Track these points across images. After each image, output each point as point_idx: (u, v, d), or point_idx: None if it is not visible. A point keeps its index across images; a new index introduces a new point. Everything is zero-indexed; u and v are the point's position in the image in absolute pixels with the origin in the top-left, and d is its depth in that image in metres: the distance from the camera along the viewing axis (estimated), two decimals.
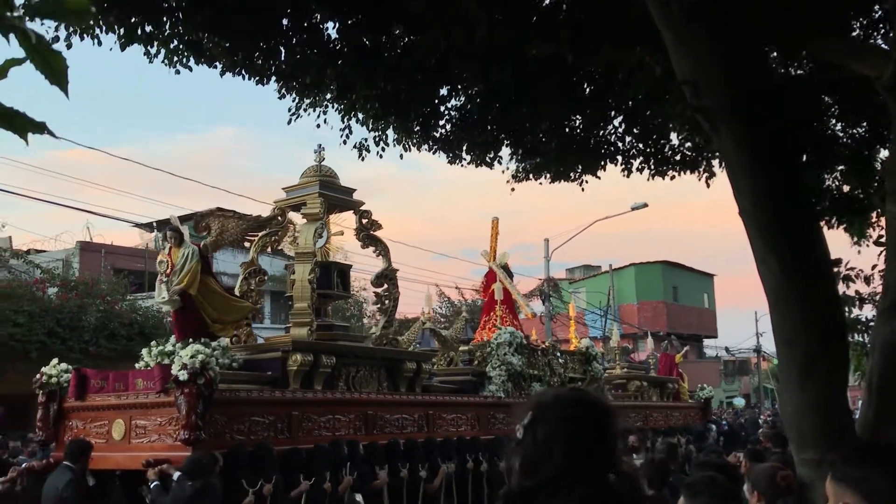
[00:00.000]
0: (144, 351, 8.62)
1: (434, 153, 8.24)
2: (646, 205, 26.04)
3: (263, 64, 6.87)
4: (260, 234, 9.83)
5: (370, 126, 7.87)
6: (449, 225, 68.97)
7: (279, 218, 10.01)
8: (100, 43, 6.35)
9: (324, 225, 9.92)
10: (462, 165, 8.45)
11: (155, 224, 23.79)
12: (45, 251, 22.43)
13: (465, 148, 8.22)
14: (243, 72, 6.90)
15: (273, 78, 7.12)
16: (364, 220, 10.35)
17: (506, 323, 12.83)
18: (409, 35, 6.79)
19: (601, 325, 32.66)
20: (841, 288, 8.61)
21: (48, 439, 8.60)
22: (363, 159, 8.26)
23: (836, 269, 8.23)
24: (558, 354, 13.24)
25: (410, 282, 36.18)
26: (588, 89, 7.55)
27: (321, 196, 9.82)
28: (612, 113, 8.03)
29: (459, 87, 7.60)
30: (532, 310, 16.91)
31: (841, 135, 7.83)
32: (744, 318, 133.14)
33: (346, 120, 7.80)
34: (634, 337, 34.15)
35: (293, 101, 7.62)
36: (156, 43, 6.53)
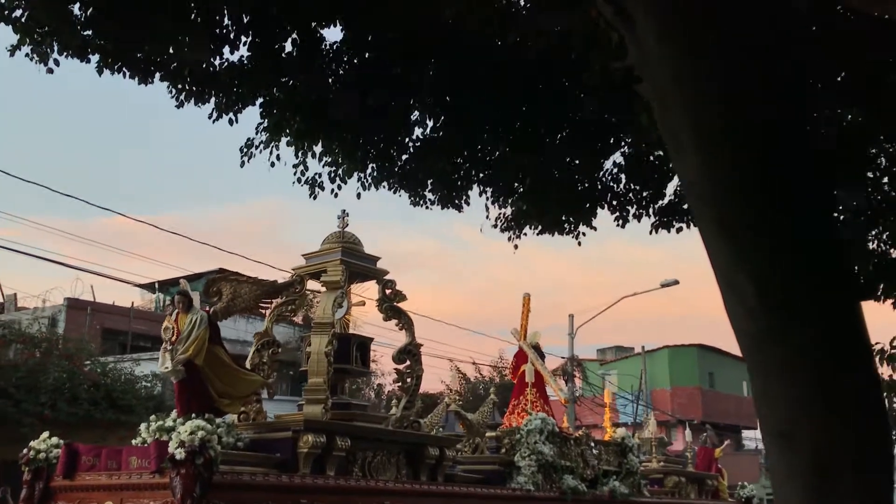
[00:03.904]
0: (142, 426, 7.91)
1: (395, 192, 7.30)
2: (677, 282, 25.07)
3: (146, 58, 5.91)
4: (275, 301, 9.16)
5: (305, 152, 6.79)
6: (489, 302, 68.20)
7: (297, 285, 9.36)
8: None
9: (344, 294, 9.25)
10: (427, 207, 7.42)
11: (157, 284, 23.37)
12: (26, 308, 21.73)
13: (429, 186, 7.18)
14: (123, 69, 5.93)
15: (157, 76, 6.08)
16: (388, 291, 9.67)
17: (537, 408, 11.95)
18: (320, 23, 5.84)
19: (632, 410, 31.37)
20: (886, 371, 7.55)
21: None
22: (314, 197, 7.29)
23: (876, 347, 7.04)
24: (592, 444, 12.27)
25: (440, 359, 35.12)
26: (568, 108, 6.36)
27: (343, 263, 9.19)
28: (599, 145, 6.75)
29: (411, 108, 6.56)
30: (566, 394, 15.97)
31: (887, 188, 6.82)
32: None
33: (300, 155, 6.88)
34: (667, 425, 32.72)
35: (212, 113, 6.41)
36: (10, 26, 5.42)
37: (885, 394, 7.55)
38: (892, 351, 7.16)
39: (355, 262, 9.42)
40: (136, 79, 5.95)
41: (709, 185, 2.69)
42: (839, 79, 5.79)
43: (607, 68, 4.40)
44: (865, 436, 2.72)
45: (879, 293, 7.24)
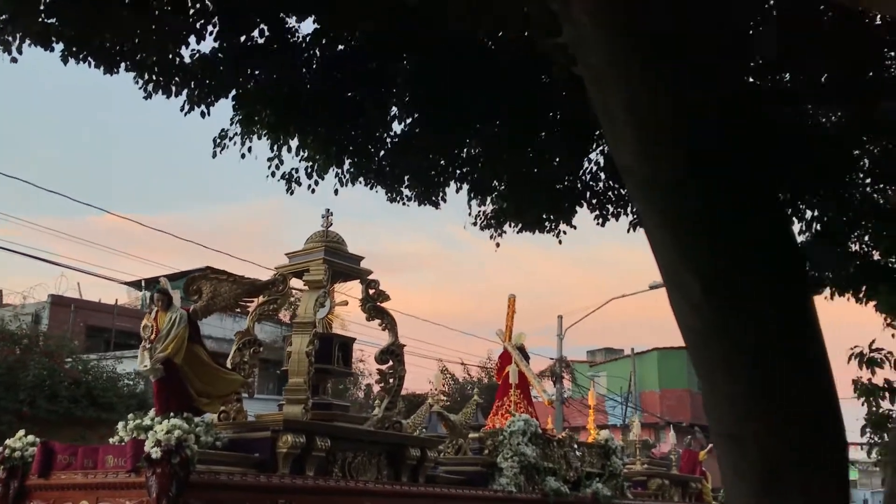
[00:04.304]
0: (120, 424, 7.86)
1: (372, 188, 7.20)
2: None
3: (111, 47, 5.70)
4: (257, 300, 9.10)
5: (280, 146, 6.63)
6: (487, 303, 67.95)
7: (280, 284, 9.31)
8: None
9: (326, 294, 9.21)
10: (404, 203, 7.31)
11: (143, 282, 23.35)
12: (11, 305, 21.54)
13: (406, 182, 7.06)
14: (89, 58, 5.74)
15: (123, 65, 5.87)
16: (371, 291, 9.63)
17: (520, 409, 11.93)
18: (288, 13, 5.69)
19: (621, 412, 31.41)
20: (865, 374, 7.53)
21: None
22: (291, 192, 7.11)
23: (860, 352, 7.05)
24: (575, 446, 12.25)
25: (431, 359, 34.95)
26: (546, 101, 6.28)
27: (325, 263, 9.14)
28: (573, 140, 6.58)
29: (388, 99, 6.42)
30: (550, 396, 15.96)
31: (869, 189, 6.81)
32: None
33: (275, 148, 6.71)
34: (656, 427, 32.72)
35: (183, 105, 6.24)
36: None
37: (866, 397, 7.58)
38: (871, 354, 7.15)
39: (338, 262, 9.37)
40: (102, 68, 5.79)
41: (648, 169, 2.50)
42: (822, 79, 5.78)
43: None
44: (816, 435, 2.62)
45: (862, 295, 7.23)
